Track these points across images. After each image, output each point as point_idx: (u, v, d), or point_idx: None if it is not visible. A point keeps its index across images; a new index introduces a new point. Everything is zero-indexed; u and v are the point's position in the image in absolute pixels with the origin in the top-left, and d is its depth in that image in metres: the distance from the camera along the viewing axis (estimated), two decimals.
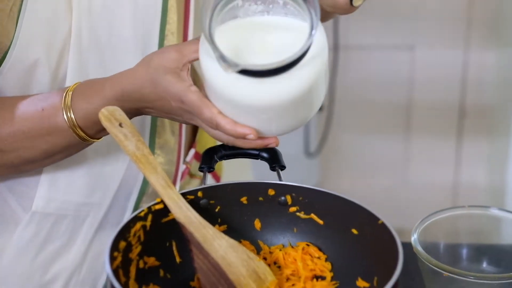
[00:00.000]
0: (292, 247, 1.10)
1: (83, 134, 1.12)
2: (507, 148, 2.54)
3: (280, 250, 1.10)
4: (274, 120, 1.05)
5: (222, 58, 0.94)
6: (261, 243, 1.11)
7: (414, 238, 1.34)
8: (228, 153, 1.13)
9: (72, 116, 1.11)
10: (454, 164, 2.79)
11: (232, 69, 0.94)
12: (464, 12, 2.69)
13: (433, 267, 1.30)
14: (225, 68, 0.94)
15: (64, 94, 1.12)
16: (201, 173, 1.14)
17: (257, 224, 1.10)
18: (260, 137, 1.05)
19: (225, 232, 1.06)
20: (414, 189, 2.79)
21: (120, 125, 1.04)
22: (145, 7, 1.24)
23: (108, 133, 1.06)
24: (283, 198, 1.10)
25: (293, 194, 1.10)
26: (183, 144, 1.39)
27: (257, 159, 1.15)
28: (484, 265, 1.41)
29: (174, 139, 1.36)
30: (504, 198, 2.55)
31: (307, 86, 1.00)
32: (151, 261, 1.04)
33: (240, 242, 1.07)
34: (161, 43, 1.27)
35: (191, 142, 1.47)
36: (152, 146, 1.32)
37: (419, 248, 1.32)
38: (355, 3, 1.06)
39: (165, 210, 1.03)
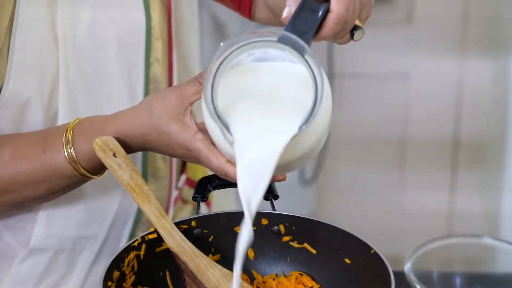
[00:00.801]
0: (285, 276, 1.10)
1: (84, 172, 1.12)
2: (501, 177, 2.55)
3: (274, 279, 1.10)
4: (283, 170, 1.04)
5: (228, 133, 0.94)
6: (254, 273, 1.11)
7: (407, 267, 1.34)
8: (222, 183, 1.13)
9: (73, 152, 1.10)
10: (448, 193, 2.79)
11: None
12: (459, 40, 2.71)
13: None
14: (231, 143, 0.94)
15: (65, 133, 1.12)
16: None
17: (251, 253, 1.11)
18: None
19: (219, 261, 1.06)
20: (409, 217, 2.78)
21: (114, 155, 1.04)
22: (130, 35, 1.24)
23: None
24: (276, 227, 1.11)
25: (286, 224, 1.10)
26: (174, 170, 1.39)
27: None
28: None
29: (165, 165, 1.36)
30: (498, 226, 2.55)
31: (318, 139, 0.99)
32: None
33: None
34: (146, 71, 1.27)
35: (182, 167, 1.47)
36: (144, 174, 1.32)
37: (412, 277, 1.32)
38: (356, 38, 1.06)
39: (159, 240, 1.03)
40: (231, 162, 1.00)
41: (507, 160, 2.51)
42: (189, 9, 1.42)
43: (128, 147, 1.09)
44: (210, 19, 2.60)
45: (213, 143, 1.02)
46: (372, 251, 1.02)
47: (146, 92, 1.29)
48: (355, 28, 1.06)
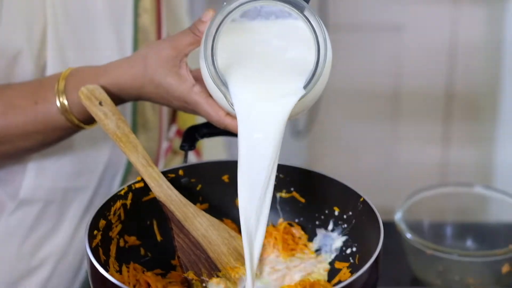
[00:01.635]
0: (274, 226, 1.10)
1: (77, 122, 1.11)
2: (494, 128, 2.54)
3: None
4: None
5: (229, 95, 0.93)
6: None
7: (398, 217, 1.34)
8: (210, 132, 1.12)
9: (65, 102, 1.09)
10: (441, 145, 2.79)
11: None
12: None
13: (417, 245, 1.30)
14: (231, 104, 0.94)
15: (57, 83, 1.11)
16: None
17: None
18: None
19: (207, 210, 1.05)
20: (401, 169, 2.78)
21: (100, 103, 1.03)
22: None
23: None
24: None
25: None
26: (164, 121, 1.39)
27: None
28: (469, 243, 1.41)
29: (155, 116, 1.35)
30: (491, 177, 2.55)
31: (318, 95, 0.99)
32: (132, 240, 1.03)
33: (222, 221, 1.06)
34: (135, 21, 1.26)
35: (172, 118, 1.47)
36: (134, 124, 1.32)
37: (403, 226, 1.32)
38: None
39: (146, 189, 1.03)
40: (230, 115, 1.00)
41: (500, 111, 2.50)
42: None
43: (122, 99, 1.09)
44: None
45: (210, 95, 1.01)
46: (362, 199, 1.02)
47: (135, 42, 1.28)
48: None
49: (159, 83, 1.04)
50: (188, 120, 1.46)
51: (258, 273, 1.01)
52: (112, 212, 1.00)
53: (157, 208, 1.02)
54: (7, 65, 1.18)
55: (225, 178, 1.09)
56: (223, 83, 0.93)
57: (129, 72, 1.07)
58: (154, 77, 1.04)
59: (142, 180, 1.02)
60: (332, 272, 1.04)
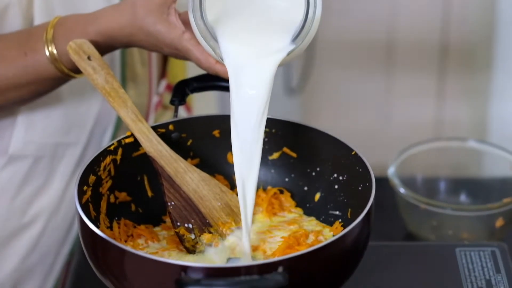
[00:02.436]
0: (264, 190, 1.09)
1: (66, 70, 1.10)
2: (488, 83, 2.53)
3: None
4: None
5: (219, 50, 0.93)
6: (234, 178, 1.10)
7: (391, 171, 1.33)
8: (200, 86, 1.11)
9: (54, 51, 1.09)
10: (435, 99, 2.78)
11: None
12: None
13: (410, 200, 1.29)
14: (221, 59, 0.94)
15: (45, 32, 1.10)
16: None
17: (230, 157, 1.09)
18: None
19: (198, 166, 1.04)
20: (396, 124, 2.78)
21: (89, 58, 1.02)
22: None
23: None
24: None
25: (266, 129, 1.08)
26: (154, 75, 1.38)
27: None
28: (462, 197, 1.41)
29: (144, 70, 1.34)
30: (486, 132, 2.55)
31: (306, 46, 0.98)
32: (122, 196, 1.03)
33: (214, 176, 1.05)
34: None
35: (162, 72, 1.45)
36: (123, 79, 1.31)
37: (396, 181, 1.31)
38: None
39: (136, 144, 1.02)
40: (220, 62, 0.99)
41: (495, 66, 2.49)
42: None
43: (112, 46, 1.08)
44: None
45: None
46: (353, 153, 1.01)
47: None
48: None
49: (149, 31, 1.03)
50: (179, 75, 1.45)
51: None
52: (102, 168, 0.99)
53: (147, 164, 1.01)
54: None
55: (216, 133, 1.08)
56: (212, 37, 0.92)
57: (118, 20, 1.06)
58: (143, 25, 1.03)
59: (132, 135, 1.01)
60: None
